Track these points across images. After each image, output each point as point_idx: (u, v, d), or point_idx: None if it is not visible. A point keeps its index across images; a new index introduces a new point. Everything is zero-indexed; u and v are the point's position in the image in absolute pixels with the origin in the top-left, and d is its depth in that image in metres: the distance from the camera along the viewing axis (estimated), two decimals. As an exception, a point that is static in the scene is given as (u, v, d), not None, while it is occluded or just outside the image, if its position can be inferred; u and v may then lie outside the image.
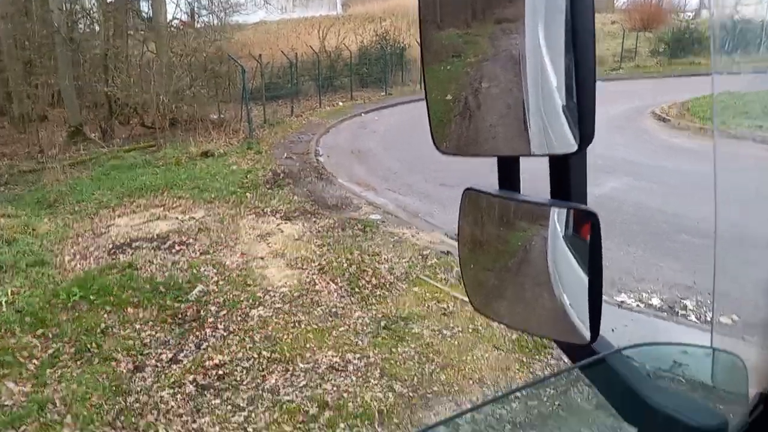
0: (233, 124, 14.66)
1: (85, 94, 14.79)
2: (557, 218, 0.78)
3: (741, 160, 0.82)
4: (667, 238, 6.70)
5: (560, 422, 3.84)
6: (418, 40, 0.83)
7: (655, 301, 5.42)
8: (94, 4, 16.09)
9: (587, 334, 0.77)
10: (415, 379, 4.31)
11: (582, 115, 0.67)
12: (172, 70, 14.31)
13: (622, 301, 5.39)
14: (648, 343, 0.89)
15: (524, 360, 4.54)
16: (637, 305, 5.35)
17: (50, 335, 4.93)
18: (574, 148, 0.69)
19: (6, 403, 4.05)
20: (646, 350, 0.92)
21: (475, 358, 4.58)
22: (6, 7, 13.45)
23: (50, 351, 4.71)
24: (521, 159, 0.84)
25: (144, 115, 14.73)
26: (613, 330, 4.54)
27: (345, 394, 4.12)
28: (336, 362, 4.54)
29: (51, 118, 15.61)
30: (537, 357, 4.56)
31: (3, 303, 5.40)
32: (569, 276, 0.78)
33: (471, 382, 4.28)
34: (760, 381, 0.80)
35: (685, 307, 5.32)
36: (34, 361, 4.58)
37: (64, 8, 14.99)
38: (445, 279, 5.94)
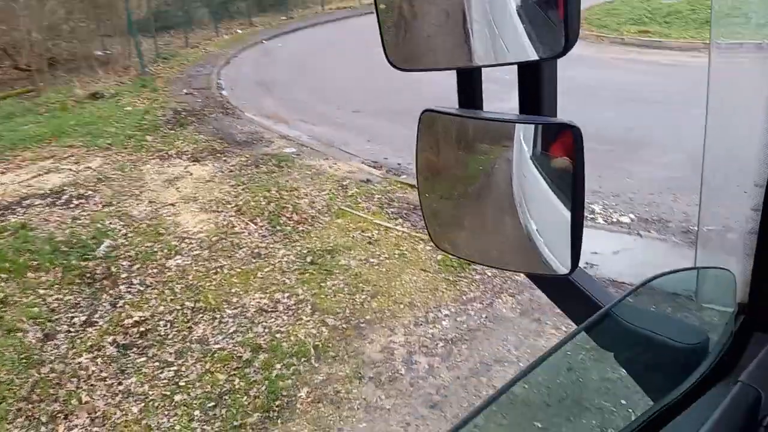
0: (122, 61, 13.38)
1: (-62, 35, 12.84)
2: (523, 136, 0.69)
3: (735, 69, 0.75)
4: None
5: (489, 333, 4.01)
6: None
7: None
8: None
9: (560, 265, 0.69)
10: (347, 310, 4.32)
11: (567, 13, 0.56)
12: (42, 2, 12.65)
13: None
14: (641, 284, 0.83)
15: (450, 279, 4.65)
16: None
17: (-60, 313, 4.44)
18: (557, 51, 0.59)
19: None
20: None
21: (403, 282, 4.63)
22: None
23: (-58, 330, 4.26)
24: (484, 71, 0.74)
25: (16, 56, 13.06)
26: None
27: (278, 335, 4.06)
28: (265, 304, 4.44)
29: None
30: (462, 275, 4.69)
31: None
32: (538, 200, 0.70)
33: (402, 306, 4.34)
34: (743, 292, 0.77)
35: (593, 211, 5.61)
36: (-75, 343, 4.13)
37: None
38: (367, 208, 5.89)
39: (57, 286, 4.78)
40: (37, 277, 4.89)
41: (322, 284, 4.64)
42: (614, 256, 4.76)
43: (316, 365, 3.78)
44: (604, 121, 7.65)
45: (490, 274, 4.71)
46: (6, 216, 6.10)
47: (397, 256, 4.99)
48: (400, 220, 5.59)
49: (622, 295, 0.77)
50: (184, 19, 17.27)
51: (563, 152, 0.66)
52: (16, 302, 4.57)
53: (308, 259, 5.00)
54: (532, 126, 0.69)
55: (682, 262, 4.53)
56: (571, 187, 0.65)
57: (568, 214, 0.66)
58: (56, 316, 4.41)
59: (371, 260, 4.95)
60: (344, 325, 4.15)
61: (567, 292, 0.81)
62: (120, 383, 3.70)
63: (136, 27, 13.64)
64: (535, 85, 0.68)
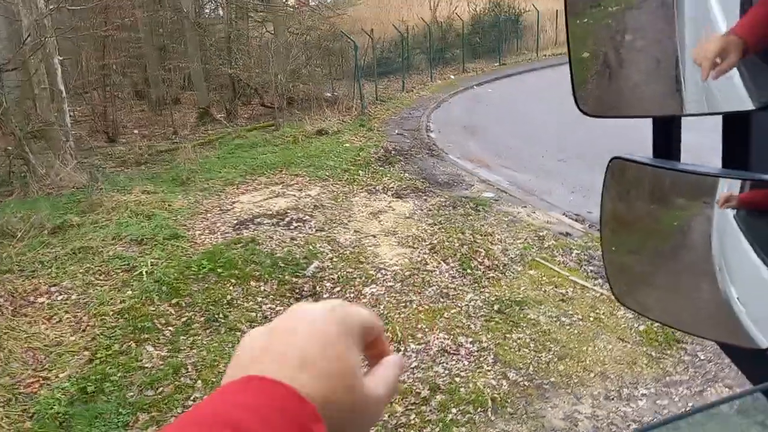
0: (346, 102, 14.91)
1: (212, 77, 15.78)
2: (727, 192, 0.64)
3: None
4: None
5: (695, 428, 3.50)
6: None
7: None
8: (218, -10, 17.02)
9: (762, 338, 0.61)
10: (531, 367, 4.14)
11: None
12: (288, 50, 14.80)
13: None
14: None
15: (653, 354, 4.18)
16: None
17: (183, 304, 5.34)
18: (759, 103, 0.54)
19: (146, 365, 4.47)
20: None
21: (596, 349, 4.30)
22: (142, -2, 14.63)
23: (183, 319, 5.11)
24: (684, 121, 0.70)
25: (264, 95, 15.43)
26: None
27: (457, 379, 4.06)
28: (447, 345, 4.48)
29: (183, 101, 16.88)
30: (668, 352, 4.19)
31: (144, 273, 5.95)
32: (740, 264, 0.64)
33: (592, 375, 4.02)
34: None
35: None
36: (170, 327, 5.00)
37: (192, -5, 15.99)
38: (563, 262, 5.63)
39: (272, 296, 5.42)
40: (257, 285, 5.61)
41: (507, 335, 4.53)
42: None
43: (492, 418, 3.68)
44: None
45: (703, 357, 4.14)
46: (241, 231, 7.14)
47: (591, 318, 4.66)
48: (600, 281, 5.23)
49: None
50: (402, 65, 18.67)
51: None
52: (239, 305, 5.29)
53: (495, 307, 4.94)
54: (738, 182, 0.63)
55: None
56: None
57: None
58: (267, 323, 4.99)
59: (562, 319, 4.69)
60: (526, 383, 3.99)
61: (766, 368, 0.70)
62: (310, 395, 4.03)
63: (361, 72, 15.13)
64: (745, 138, 0.62)
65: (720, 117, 0.64)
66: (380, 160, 9.80)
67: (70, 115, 10.79)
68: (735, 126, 0.63)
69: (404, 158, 9.92)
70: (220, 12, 17.16)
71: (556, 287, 5.18)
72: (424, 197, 7.85)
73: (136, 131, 14.24)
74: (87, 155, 11.11)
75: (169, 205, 8.19)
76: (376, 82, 16.43)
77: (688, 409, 3.84)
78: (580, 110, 0.74)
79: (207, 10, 17.78)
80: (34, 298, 5.71)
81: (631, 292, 0.83)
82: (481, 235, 6.33)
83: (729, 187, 0.64)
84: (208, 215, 7.86)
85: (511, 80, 17.70)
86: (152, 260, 6.29)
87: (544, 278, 5.36)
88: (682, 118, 0.69)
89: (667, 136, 0.72)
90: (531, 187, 8.03)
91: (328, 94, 15.65)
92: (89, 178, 9.08)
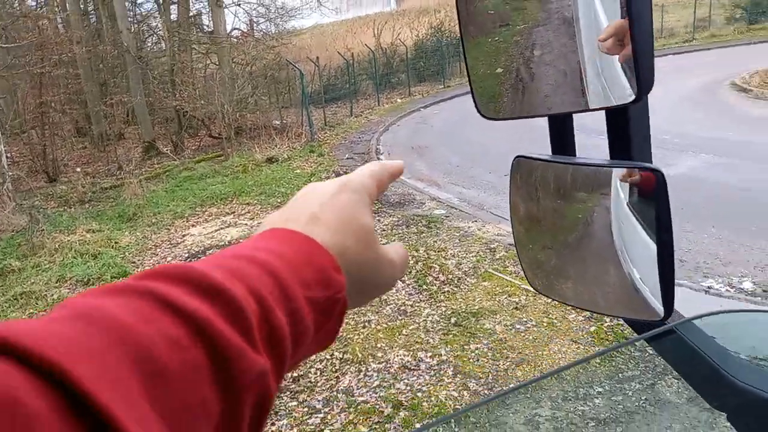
0: (295, 129, 14.94)
1: (156, 110, 15.55)
2: (620, 184, 0.71)
3: None
4: (748, 219, 6.20)
5: (649, 418, 3.63)
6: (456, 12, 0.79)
7: (747, 285, 5.04)
8: (159, 22, 16.88)
9: (660, 311, 0.68)
10: (490, 376, 4.20)
11: (640, 61, 0.60)
12: (234, 80, 14.77)
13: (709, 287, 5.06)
14: (718, 312, 0.81)
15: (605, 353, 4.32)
16: (727, 289, 5.00)
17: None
18: (632, 97, 0.62)
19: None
20: (717, 319, 0.84)
21: (551, 352, 4.41)
22: (80, 32, 14.32)
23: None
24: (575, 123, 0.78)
25: (211, 126, 15.29)
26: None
27: (419, 394, 4.08)
28: (408, 361, 4.50)
29: (127, 136, 16.51)
30: (619, 350, 4.33)
31: (92, 313, 5.73)
32: (637, 247, 0.70)
33: (550, 378, 4.12)
34: None
35: None
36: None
37: (133, 29, 15.80)
38: (515, 272, 5.77)
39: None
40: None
41: (465, 347, 4.59)
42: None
43: (456, 429, 3.70)
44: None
45: (651, 352, 4.30)
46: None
47: (545, 324, 4.79)
48: (550, 287, 5.38)
49: (693, 316, 0.71)
50: (350, 91, 18.91)
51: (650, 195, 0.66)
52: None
53: (452, 320, 5.00)
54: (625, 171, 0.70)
55: None
56: (656, 233, 0.65)
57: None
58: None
59: (517, 326, 4.80)
60: (486, 391, 4.04)
61: (671, 342, 0.78)
62: (273, 423, 3.96)
63: (309, 100, 15.22)
64: (625, 129, 0.69)
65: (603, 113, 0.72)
66: (332, 185, 9.84)
67: (6, 156, 10.39)
68: (616, 119, 0.70)
69: (356, 181, 9.99)
70: (163, 45, 16.99)
71: (509, 296, 5.30)
72: (377, 218, 7.91)
73: (78, 169, 13.82)
74: (26, 197, 10.69)
75: (116, 243, 7.96)
76: (324, 109, 16.55)
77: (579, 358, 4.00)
78: (481, 114, 0.81)
79: (149, 44, 17.57)
80: (-28, 347, 5.41)
81: (550, 283, 0.89)
82: (435, 251, 6.43)
83: (621, 177, 0.72)
84: (158, 250, 7.68)
85: (456, 101, 18.16)
86: (100, 299, 6.07)
87: (497, 289, 5.47)
88: (574, 115, 0.77)
89: (561, 133, 0.80)
90: (480, 202, 8.22)
91: (277, 123, 15.65)
92: (29, 220, 8.73)
